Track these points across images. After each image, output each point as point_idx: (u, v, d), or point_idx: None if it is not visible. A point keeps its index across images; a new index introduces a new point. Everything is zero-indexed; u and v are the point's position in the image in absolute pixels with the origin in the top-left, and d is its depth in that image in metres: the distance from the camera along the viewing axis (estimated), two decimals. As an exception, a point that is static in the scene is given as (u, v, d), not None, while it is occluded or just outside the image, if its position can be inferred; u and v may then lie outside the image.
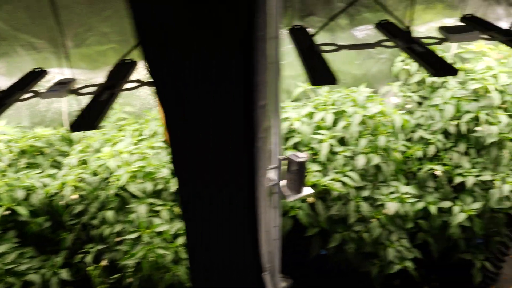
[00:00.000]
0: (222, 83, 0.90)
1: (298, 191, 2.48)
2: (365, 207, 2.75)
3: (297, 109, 3.08)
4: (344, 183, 2.71)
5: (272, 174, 2.34)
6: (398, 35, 2.00)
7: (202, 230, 1.24)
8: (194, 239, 1.28)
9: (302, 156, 2.46)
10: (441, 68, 1.69)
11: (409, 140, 3.18)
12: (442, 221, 2.93)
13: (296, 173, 2.42)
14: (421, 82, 3.30)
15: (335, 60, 2.00)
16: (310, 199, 2.72)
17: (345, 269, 3.05)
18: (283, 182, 2.50)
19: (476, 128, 2.92)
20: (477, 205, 2.87)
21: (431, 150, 3.02)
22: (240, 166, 1.06)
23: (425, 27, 3.32)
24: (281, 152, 2.40)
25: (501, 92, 2.93)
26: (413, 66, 3.25)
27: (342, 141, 2.92)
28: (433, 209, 2.87)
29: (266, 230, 2.32)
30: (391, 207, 2.70)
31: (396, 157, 2.90)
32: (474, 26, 2.40)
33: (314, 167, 2.82)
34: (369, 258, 2.92)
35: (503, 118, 2.83)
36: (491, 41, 2.18)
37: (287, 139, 2.93)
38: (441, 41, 2.35)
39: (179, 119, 0.97)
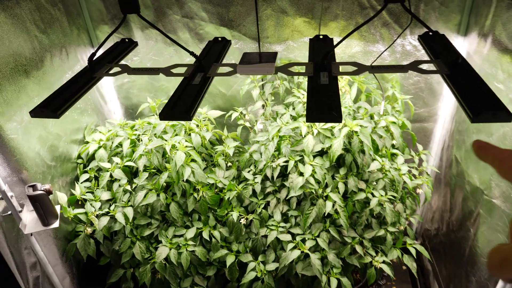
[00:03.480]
0: None
1: (44, 223, 2.35)
2: (140, 247, 2.51)
3: (121, 129, 2.87)
4: (113, 218, 2.49)
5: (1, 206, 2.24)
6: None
7: None
8: None
9: (39, 188, 2.31)
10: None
11: (237, 178, 2.80)
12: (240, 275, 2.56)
13: (35, 206, 2.29)
14: (263, 109, 2.85)
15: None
16: (88, 230, 2.55)
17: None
18: (28, 213, 2.38)
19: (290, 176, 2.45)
20: (273, 266, 2.44)
21: (248, 192, 2.62)
22: None
23: (281, 46, 2.82)
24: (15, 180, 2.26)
25: (326, 137, 2.40)
26: (256, 91, 2.81)
27: (135, 173, 2.67)
28: (228, 260, 2.52)
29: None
30: (162, 253, 2.42)
31: (204, 197, 2.58)
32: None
33: (104, 195, 2.63)
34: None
35: (308, 169, 2.32)
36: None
37: (89, 161, 2.76)
38: (231, 72, 2.01)
39: None
